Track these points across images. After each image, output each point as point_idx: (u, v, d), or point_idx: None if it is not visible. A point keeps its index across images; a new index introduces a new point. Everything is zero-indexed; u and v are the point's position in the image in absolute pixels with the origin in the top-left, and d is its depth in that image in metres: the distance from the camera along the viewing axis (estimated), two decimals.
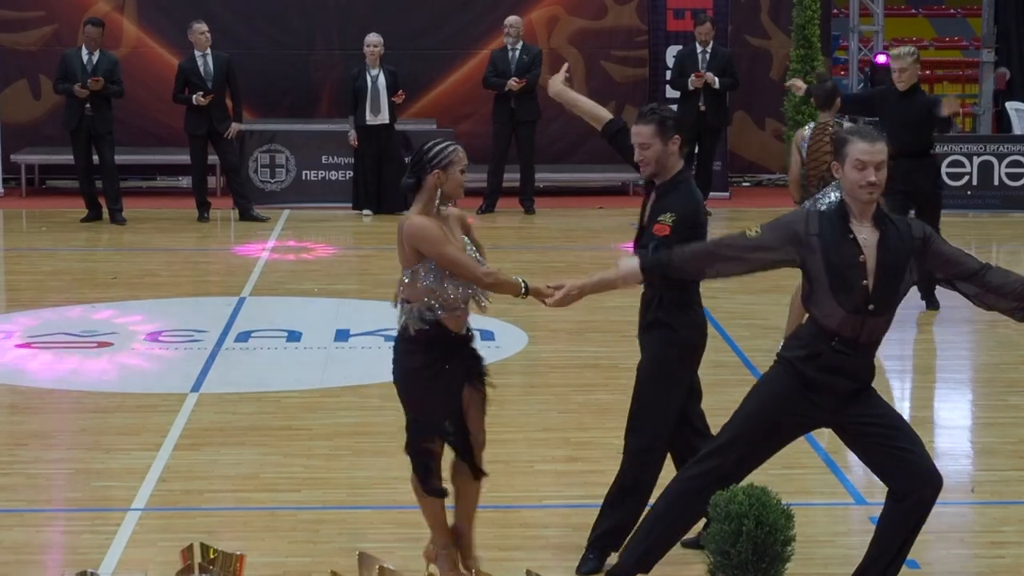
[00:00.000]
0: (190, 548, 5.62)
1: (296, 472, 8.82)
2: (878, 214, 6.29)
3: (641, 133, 7.16)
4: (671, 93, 19.26)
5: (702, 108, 18.38)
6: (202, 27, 17.97)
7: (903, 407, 10.31)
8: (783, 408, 6.40)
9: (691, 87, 18.33)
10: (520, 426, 9.71)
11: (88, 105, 17.55)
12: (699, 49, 18.55)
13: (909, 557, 7.19)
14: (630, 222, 18.39)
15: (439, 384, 6.70)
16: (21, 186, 20.10)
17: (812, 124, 11.47)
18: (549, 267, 14.23)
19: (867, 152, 6.19)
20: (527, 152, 18.73)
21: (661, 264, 6.54)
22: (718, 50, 18.64)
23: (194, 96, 17.72)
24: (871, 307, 6.21)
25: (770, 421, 6.43)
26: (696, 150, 18.56)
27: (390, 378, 6.87)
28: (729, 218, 18.65)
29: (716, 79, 18.26)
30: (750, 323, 12.35)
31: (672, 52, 19.50)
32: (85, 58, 17.78)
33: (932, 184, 13.01)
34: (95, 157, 17.78)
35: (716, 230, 17.85)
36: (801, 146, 11.29)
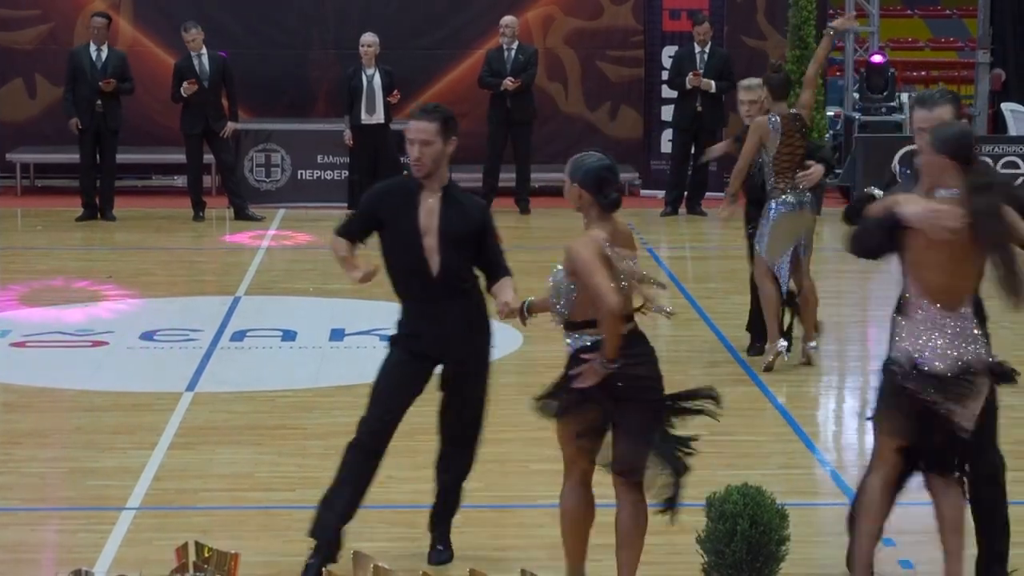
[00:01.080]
0: (185, 547, 5.62)
1: (291, 471, 8.82)
2: None
3: (425, 130, 6.91)
4: (667, 93, 19.27)
5: (699, 109, 18.39)
6: (188, 35, 17.89)
7: None
8: None
9: (688, 85, 18.33)
10: (515, 426, 9.70)
11: (100, 103, 17.60)
12: (697, 49, 18.56)
13: (904, 557, 7.21)
14: (627, 222, 18.40)
15: None
16: (16, 185, 20.08)
17: (773, 115, 10.99)
18: (545, 267, 14.18)
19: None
20: (523, 152, 18.73)
21: None
22: (716, 51, 18.65)
23: (182, 86, 17.71)
24: None
25: None
26: (692, 150, 18.57)
27: None
28: (725, 217, 18.62)
29: (713, 84, 18.26)
30: (743, 323, 12.34)
31: (668, 52, 19.49)
32: (94, 54, 17.80)
33: None
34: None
35: (712, 230, 17.96)
36: (771, 138, 10.93)
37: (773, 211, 10.97)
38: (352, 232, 7.28)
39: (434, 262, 6.97)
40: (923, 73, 24.40)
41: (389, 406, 7.04)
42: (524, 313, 6.93)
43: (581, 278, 6.41)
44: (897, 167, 16.75)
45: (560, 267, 6.57)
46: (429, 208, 6.99)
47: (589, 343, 6.45)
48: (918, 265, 6.42)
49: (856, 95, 20.84)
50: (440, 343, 7.04)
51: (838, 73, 22.13)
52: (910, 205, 6.33)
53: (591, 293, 6.35)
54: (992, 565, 6.85)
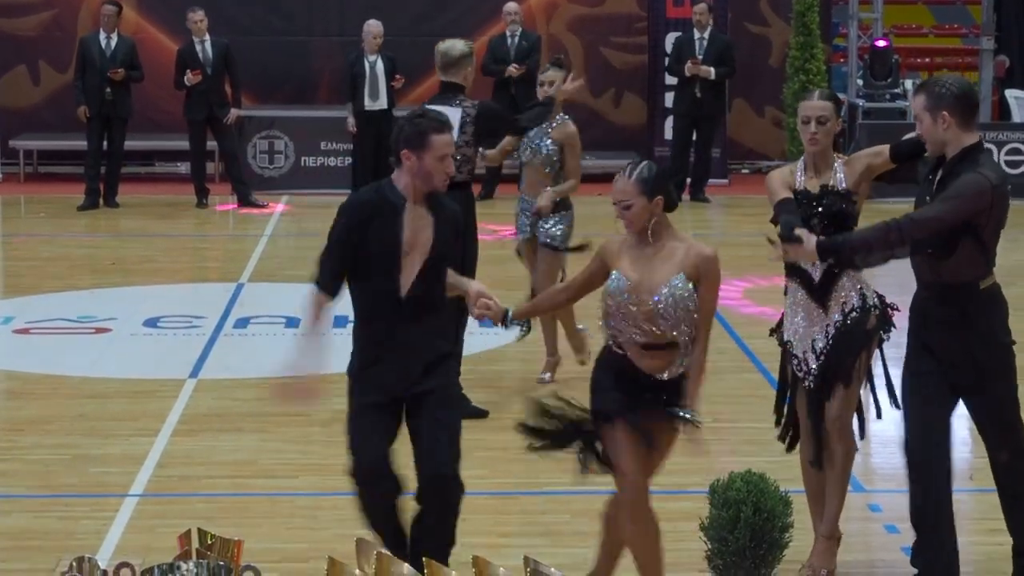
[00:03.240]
0: (188, 534, 5.60)
1: (294, 458, 8.82)
2: None
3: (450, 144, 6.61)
4: (671, 80, 19.24)
5: (698, 95, 18.35)
6: (196, 16, 17.96)
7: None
8: None
9: (687, 73, 18.29)
10: (518, 413, 9.71)
11: (109, 90, 17.61)
12: (696, 35, 18.52)
13: (907, 544, 7.20)
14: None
15: None
16: (20, 172, 20.08)
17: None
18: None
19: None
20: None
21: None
22: (715, 37, 18.61)
23: (185, 75, 17.72)
24: None
25: None
26: (694, 137, 18.56)
27: None
28: (728, 204, 18.67)
29: (712, 71, 18.23)
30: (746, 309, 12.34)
31: (672, 39, 19.46)
32: (103, 42, 17.82)
33: None
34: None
35: (715, 216, 17.95)
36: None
37: None
38: (336, 276, 6.63)
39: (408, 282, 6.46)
40: (927, 60, 24.34)
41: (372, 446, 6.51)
42: (507, 320, 6.65)
43: (714, 292, 6.34)
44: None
45: (682, 278, 6.29)
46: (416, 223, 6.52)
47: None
48: None
49: (860, 82, 20.81)
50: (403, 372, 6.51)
51: (842, 60, 22.10)
52: None
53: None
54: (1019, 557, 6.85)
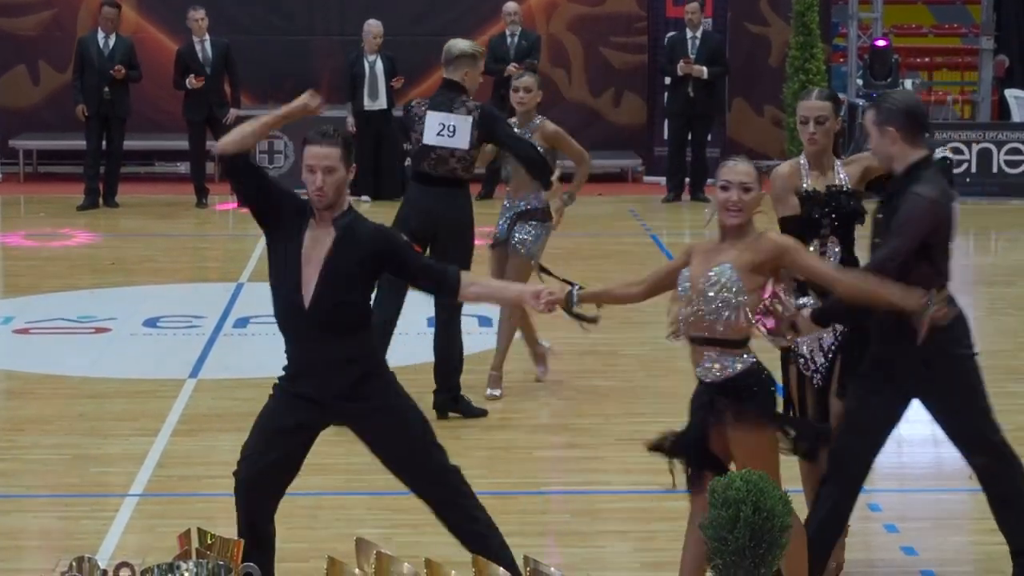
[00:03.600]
0: (188, 533, 5.60)
1: None
2: None
3: (329, 156, 6.14)
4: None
5: (691, 95, 18.32)
6: (197, 14, 17.99)
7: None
8: None
9: (680, 72, 18.26)
10: (519, 412, 9.72)
11: (107, 89, 17.61)
12: (689, 34, 18.47)
13: (906, 544, 7.20)
14: (629, 208, 18.40)
15: None
16: (20, 171, 20.08)
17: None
18: (547, 253, 14.19)
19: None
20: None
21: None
22: (708, 35, 18.57)
23: (187, 79, 17.73)
24: None
25: None
26: (689, 136, 18.55)
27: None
28: None
29: (704, 70, 18.22)
30: None
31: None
32: (101, 42, 17.82)
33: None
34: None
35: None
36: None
37: None
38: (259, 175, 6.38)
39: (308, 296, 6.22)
40: (927, 59, 24.33)
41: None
42: (572, 303, 6.35)
43: (808, 259, 6.18)
44: None
45: (728, 267, 6.05)
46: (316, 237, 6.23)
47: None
48: None
49: (860, 81, 20.81)
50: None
51: (841, 60, 22.10)
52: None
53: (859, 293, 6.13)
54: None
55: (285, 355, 6.44)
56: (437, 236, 9.46)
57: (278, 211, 6.29)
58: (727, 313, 6.02)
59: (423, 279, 6.46)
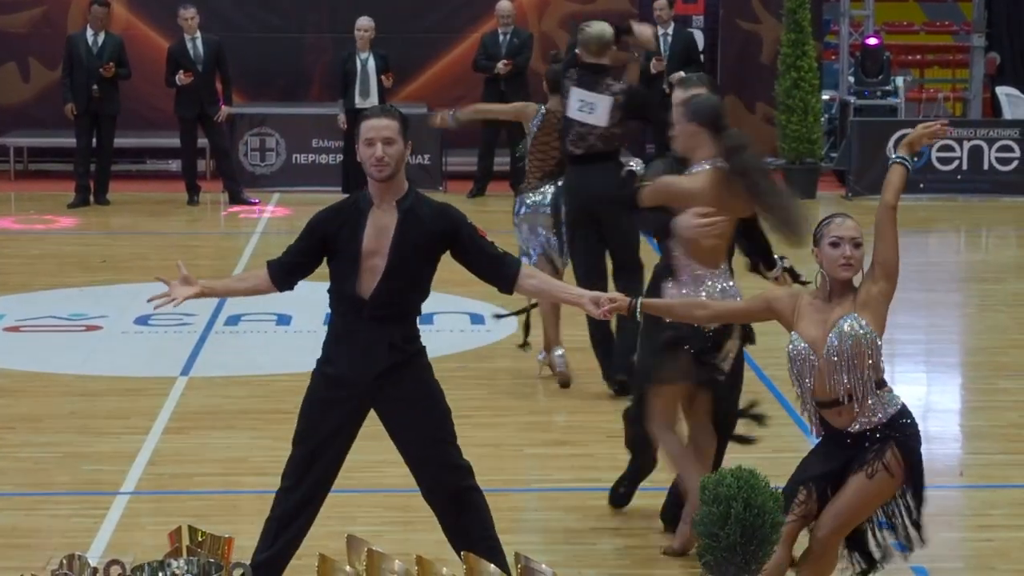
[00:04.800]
0: (178, 531, 5.60)
1: (285, 456, 8.76)
2: None
3: (388, 127, 6.21)
4: None
5: (667, 91, 18.21)
6: (188, 13, 17.96)
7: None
8: None
9: (653, 71, 17.97)
10: (508, 410, 9.72)
11: (96, 88, 17.59)
12: (660, 31, 18.28)
13: (897, 540, 7.20)
14: None
15: None
16: (10, 169, 20.06)
17: (541, 107, 10.56)
18: None
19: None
20: (517, 135, 18.67)
21: None
22: (679, 32, 18.44)
23: (177, 75, 17.72)
24: None
25: None
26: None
27: None
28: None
29: (682, 73, 18.04)
30: None
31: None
32: (90, 40, 17.80)
33: None
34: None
35: None
36: (530, 126, 10.52)
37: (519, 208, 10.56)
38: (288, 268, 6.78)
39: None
40: (918, 57, 24.36)
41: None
42: (634, 311, 6.42)
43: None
44: (892, 148, 16.76)
45: (854, 316, 6.19)
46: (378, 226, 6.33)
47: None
48: (693, 240, 6.93)
49: (851, 79, 20.83)
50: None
51: (833, 57, 22.11)
52: (682, 218, 6.84)
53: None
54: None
55: (327, 328, 6.60)
56: (600, 216, 9.82)
57: (331, 245, 6.52)
58: (859, 369, 6.27)
59: (483, 265, 6.42)
